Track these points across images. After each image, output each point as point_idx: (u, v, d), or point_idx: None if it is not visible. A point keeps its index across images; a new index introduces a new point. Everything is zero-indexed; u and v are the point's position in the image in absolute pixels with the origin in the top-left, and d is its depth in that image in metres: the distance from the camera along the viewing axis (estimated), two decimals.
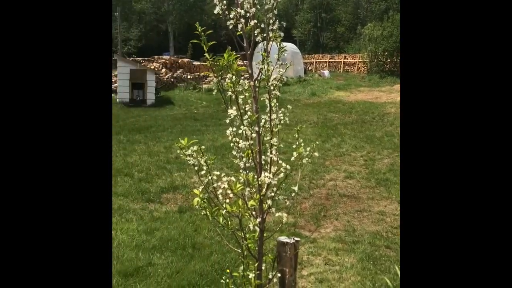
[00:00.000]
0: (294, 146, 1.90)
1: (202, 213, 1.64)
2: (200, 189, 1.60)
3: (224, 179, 1.57)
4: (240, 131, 1.58)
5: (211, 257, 3.94)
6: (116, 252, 3.94)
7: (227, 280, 1.69)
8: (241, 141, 1.55)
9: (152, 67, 16.82)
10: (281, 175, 1.67)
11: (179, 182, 6.26)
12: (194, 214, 5.00)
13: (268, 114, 1.70)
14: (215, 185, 1.53)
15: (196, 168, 1.53)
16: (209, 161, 1.51)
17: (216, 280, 3.55)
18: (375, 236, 4.46)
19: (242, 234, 1.66)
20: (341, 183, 6.34)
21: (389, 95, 16.95)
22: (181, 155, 1.56)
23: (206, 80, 20.93)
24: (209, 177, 1.54)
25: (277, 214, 1.80)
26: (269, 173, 1.61)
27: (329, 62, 29.66)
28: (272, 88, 1.65)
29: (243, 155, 1.57)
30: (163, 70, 18.56)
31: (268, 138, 1.66)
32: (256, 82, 1.71)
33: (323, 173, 6.81)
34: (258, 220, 1.62)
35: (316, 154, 1.85)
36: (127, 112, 12.51)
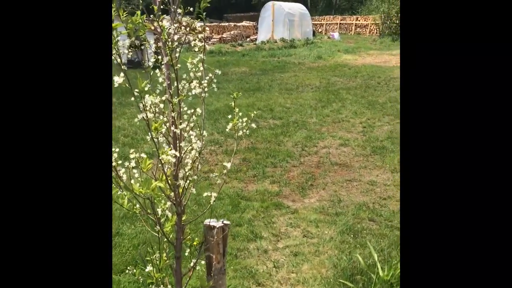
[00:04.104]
0: (229, 117, 1.64)
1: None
2: None
3: (132, 156, 1.34)
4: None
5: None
6: None
7: (134, 270, 1.49)
8: (148, 112, 1.31)
9: (153, 28, 16.34)
10: (193, 152, 1.42)
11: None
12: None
13: (182, 81, 1.44)
14: (114, 164, 1.30)
15: None
16: None
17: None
18: (360, 207, 4.25)
19: (155, 218, 1.44)
20: (334, 151, 6.08)
21: (399, 58, 16.36)
22: None
23: (209, 42, 20.44)
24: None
25: (205, 194, 1.57)
26: (177, 150, 1.37)
27: (340, 24, 28.71)
28: (171, 48, 1.38)
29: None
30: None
31: (186, 109, 1.41)
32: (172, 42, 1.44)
33: (317, 140, 6.55)
34: (168, 203, 1.39)
35: (253, 125, 1.59)
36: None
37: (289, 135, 6.79)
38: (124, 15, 1.45)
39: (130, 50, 1.52)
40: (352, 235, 3.67)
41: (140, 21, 1.43)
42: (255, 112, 1.80)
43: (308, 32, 22.72)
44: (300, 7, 23.13)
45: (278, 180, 5.00)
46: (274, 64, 15.06)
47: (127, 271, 1.54)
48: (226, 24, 25.93)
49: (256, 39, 22.58)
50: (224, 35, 22.38)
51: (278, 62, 15.57)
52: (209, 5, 1.49)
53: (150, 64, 1.40)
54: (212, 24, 25.22)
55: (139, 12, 1.40)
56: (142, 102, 1.29)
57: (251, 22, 26.29)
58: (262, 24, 22.61)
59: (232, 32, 23.11)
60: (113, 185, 1.33)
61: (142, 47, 1.55)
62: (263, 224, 3.93)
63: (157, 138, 1.35)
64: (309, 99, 9.33)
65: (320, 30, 28.75)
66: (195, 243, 1.56)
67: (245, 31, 24.69)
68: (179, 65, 1.46)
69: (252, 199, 4.48)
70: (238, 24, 25.94)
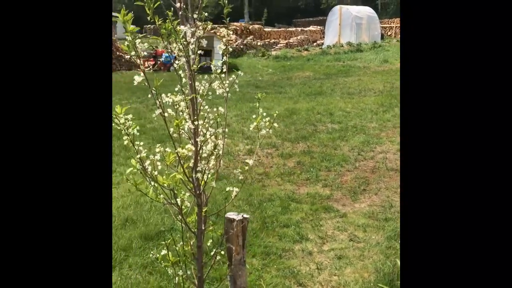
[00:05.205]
0: (256, 119, 1.75)
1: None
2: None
3: (157, 150, 1.49)
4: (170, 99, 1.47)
5: None
6: (144, 216, 4.09)
7: (157, 255, 1.64)
8: (169, 110, 1.46)
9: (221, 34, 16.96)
10: (208, 146, 1.54)
11: (224, 149, 6.28)
12: (230, 182, 5.00)
13: (202, 82, 1.57)
14: (141, 155, 1.45)
15: (129, 137, 1.46)
16: (131, 130, 1.41)
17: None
18: None
19: (178, 208, 1.58)
20: (392, 156, 5.96)
21: None
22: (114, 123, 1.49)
23: (276, 47, 20.68)
24: (135, 148, 1.47)
25: (228, 188, 1.70)
26: (193, 145, 1.50)
27: None
28: (192, 51, 1.51)
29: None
30: (233, 36, 18.64)
31: (206, 107, 1.53)
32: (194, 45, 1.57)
33: (374, 144, 6.45)
34: (187, 194, 1.53)
35: (276, 125, 1.69)
36: None
37: (346, 139, 6.74)
38: (160, 21, 1.60)
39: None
40: (399, 241, 3.61)
41: (172, 26, 1.57)
42: (277, 112, 1.89)
43: (376, 35, 22.21)
44: (368, 10, 22.67)
45: (331, 184, 5.01)
46: (338, 68, 14.94)
47: (151, 254, 1.70)
48: (293, 29, 26.08)
49: (322, 43, 22.48)
50: (291, 40, 22.54)
51: (342, 66, 15.41)
52: (231, 10, 1.61)
53: (175, 66, 1.54)
54: (280, 29, 25.48)
55: (169, 19, 1.54)
56: (159, 100, 1.44)
57: (318, 27, 26.22)
58: (329, 28, 22.47)
59: (298, 37, 23.21)
60: (140, 176, 1.49)
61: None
62: (310, 226, 3.97)
63: (177, 134, 1.49)
64: (371, 103, 9.17)
65: (389, 33, 27.93)
66: (218, 233, 1.69)
67: (311, 35, 24.67)
68: (194, 66, 1.58)
69: (302, 201, 4.54)
70: (305, 28, 25.99)
